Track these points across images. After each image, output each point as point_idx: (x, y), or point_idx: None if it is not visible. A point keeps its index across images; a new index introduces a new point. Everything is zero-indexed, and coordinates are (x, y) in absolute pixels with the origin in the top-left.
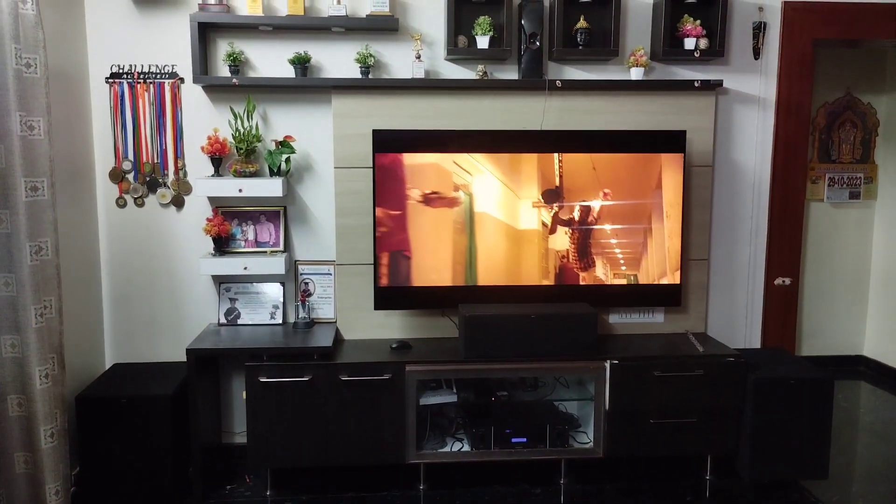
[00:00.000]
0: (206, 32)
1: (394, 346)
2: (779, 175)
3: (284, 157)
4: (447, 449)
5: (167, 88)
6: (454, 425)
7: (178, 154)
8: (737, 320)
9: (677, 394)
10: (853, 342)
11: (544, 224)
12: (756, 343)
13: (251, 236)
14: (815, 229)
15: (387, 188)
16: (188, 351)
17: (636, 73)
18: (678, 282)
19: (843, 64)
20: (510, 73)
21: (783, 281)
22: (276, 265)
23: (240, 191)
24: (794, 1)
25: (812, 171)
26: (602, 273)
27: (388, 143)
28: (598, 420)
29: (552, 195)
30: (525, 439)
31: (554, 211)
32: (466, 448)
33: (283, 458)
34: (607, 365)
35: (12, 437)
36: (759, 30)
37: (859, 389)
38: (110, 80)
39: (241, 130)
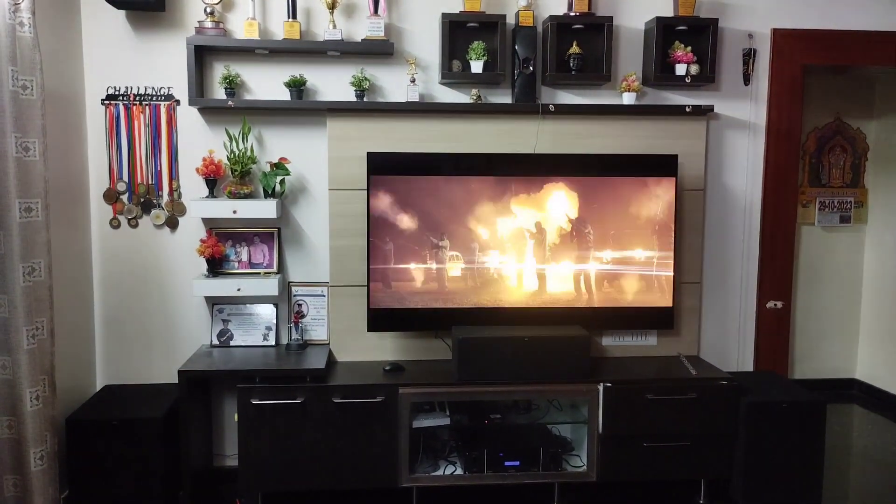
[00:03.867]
0: (202, 55)
1: (387, 368)
2: (770, 199)
3: (279, 178)
4: (440, 472)
5: (163, 110)
6: (447, 448)
7: (173, 175)
8: (729, 343)
9: (670, 417)
10: (845, 366)
11: (538, 246)
12: (748, 366)
13: (245, 257)
14: (806, 253)
15: (381, 210)
16: (180, 372)
17: (628, 98)
18: (671, 305)
19: (832, 89)
20: (504, 97)
21: (775, 304)
22: (270, 286)
23: (234, 212)
24: (784, 28)
25: (803, 196)
26: (594, 295)
27: (383, 165)
28: (592, 443)
29: (546, 217)
30: (518, 462)
31: (548, 233)
32: (459, 471)
33: (275, 482)
34: (600, 388)
35: (2, 459)
36: (749, 56)
37: (852, 413)
38: (106, 102)
39: (237, 152)
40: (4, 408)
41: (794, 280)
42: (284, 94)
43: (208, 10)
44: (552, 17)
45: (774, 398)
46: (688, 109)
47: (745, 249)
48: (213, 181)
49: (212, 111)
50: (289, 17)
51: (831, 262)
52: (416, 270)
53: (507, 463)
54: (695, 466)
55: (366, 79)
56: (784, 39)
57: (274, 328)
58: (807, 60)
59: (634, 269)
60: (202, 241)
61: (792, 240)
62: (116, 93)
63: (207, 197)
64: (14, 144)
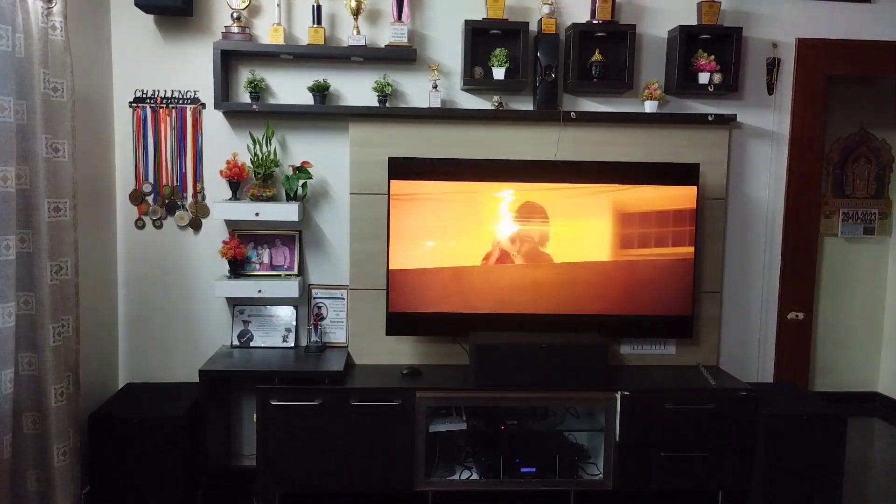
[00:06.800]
0: (228, 60)
1: (404, 372)
2: (792, 209)
3: (301, 182)
4: (456, 477)
5: (189, 113)
6: (463, 453)
7: (198, 177)
8: (749, 354)
9: (688, 427)
10: (867, 379)
11: (557, 253)
12: (768, 377)
13: (266, 259)
14: (829, 264)
15: (401, 215)
16: (201, 372)
17: (650, 107)
18: (690, 313)
19: (856, 100)
20: (525, 104)
21: (796, 315)
22: (290, 289)
23: (256, 214)
24: (808, 38)
25: (826, 206)
26: (613, 303)
27: (404, 170)
28: (609, 451)
29: (565, 224)
30: (534, 469)
31: (567, 240)
32: (475, 477)
33: (292, 483)
34: (618, 396)
35: (26, 454)
36: (773, 65)
37: (873, 427)
38: (134, 105)
39: (260, 155)
40: (30, 404)
41: (816, 291)
42: (308, 99)
43: (235, 15)
44: (575, 25)
45: (794, 410)
46: (710, 118)
47: (767, 259)
48: (236, 184)
49: (236, 115)
50: (313, 23)
51: (854, 274)
52: (436, 275)
53: (523, 469)
54: (712, 477)
55: (388, 84)
56: (808, 49)
57: (293, 330)
58: (831, 70)
59: (654, 276)
60: (224, 242)
61: (814, 250)
62: (144, 96)
63: (230, 199)
64: (44, 145)
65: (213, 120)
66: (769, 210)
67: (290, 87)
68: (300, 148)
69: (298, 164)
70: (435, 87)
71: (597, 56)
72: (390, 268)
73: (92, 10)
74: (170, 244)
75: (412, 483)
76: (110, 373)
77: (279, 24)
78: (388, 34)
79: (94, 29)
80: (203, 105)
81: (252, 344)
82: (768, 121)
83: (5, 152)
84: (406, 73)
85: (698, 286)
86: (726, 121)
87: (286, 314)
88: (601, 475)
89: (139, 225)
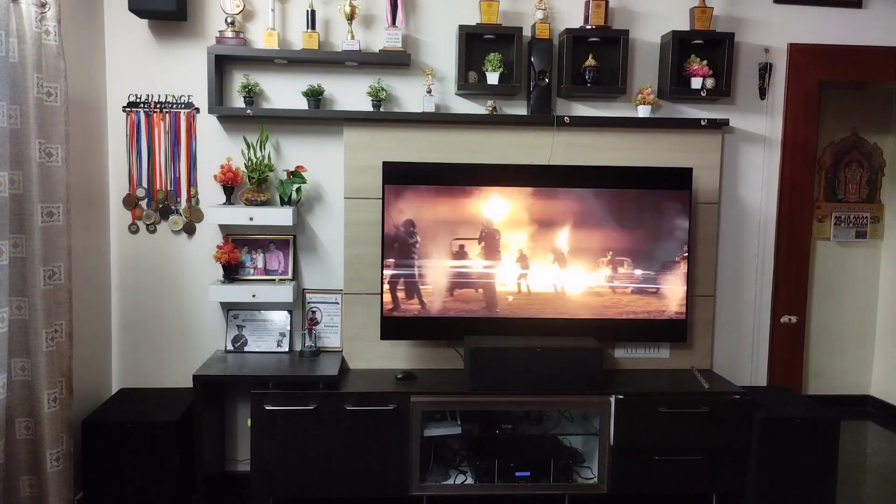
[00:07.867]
0: (222, 64)
1: (399, 376)
2: (785, 213)
3: (295, 186)
4: (450, 481)
5: (182, 118)
6: (458, 457)
7: (191, 182)
8: (742, 358)
9: (682, 431)
10: (860, 382)
11: (552, 257)
12: (762, 381)
13: (260, 264)
14: (821, 268)
15: (395, 219)
16: (195, 377)
17: (643, 111)
18: (684, 318)
19: (849, 104)
20: (519, 109)
21: (789, 319)
22: (285, 293)
23: (251, 219)
24: (800, 43)
25: (818, 210)
26: (607, 307)
27: (398, 175)
28: (603, 455)
29: (559, 228)
30: (529, 473)
31: (561, 244)
32: (470, 481)
33: (286, 488)
34: (612, 400)
35: (19, 460)
36: (766, 70)
37: (866, 430)
38: (127, 109)
39: (254, 160)
40: (23, 409)
41: (808, 295)
42: (302, 104)
43: (229, 20)
44: (568, 30)
45: (788, 414)
46: (703, 123)
47: (760, 263)
48: (230, 188)
49: (230, 119)
50: (308, 28)
51: (847, 278)
52: (430, 279)
53: (517, 473)
54: (707, 481)
55: (383, 89)
56: (800, 54)
57: (288, 335)
58: (823, 76)
59: (648, 281)
60: (219, 247)
61: (807, 254)
62: (138, 100)
63: (225, 204)
64: (38, 150)
65: (208, 124)
66: (762, 214)
67: (285, 92)
68: (294, 152)
69: (293, 169)
70: (429, 91)
71: (590, 61)
72: (384, 272)
73: (86, 14)
74: (164, 249)
75: (407, 487)
76: (104, 378)
77: (273, 28)
78: (382, 39)
79: (88, 33)
80: (197, 109)
81: (246, 349)
82: (761, 125)
83: None
84: (400, 78)
85: (692, 290)
86: (719, 125)
87: (280, 319)
88: (595, 479)
89: (133, 230)
